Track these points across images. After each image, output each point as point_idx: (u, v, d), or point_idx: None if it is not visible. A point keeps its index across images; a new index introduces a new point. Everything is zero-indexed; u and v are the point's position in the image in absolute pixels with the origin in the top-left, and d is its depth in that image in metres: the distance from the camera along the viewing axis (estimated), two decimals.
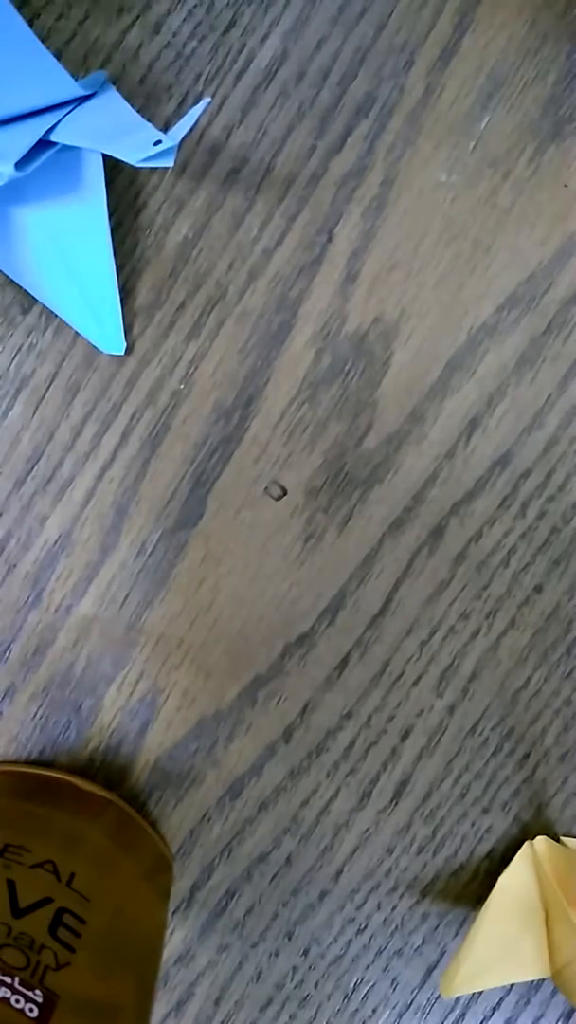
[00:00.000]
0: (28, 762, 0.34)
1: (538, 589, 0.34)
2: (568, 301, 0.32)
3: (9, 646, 0.33)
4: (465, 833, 0.35)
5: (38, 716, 0.33)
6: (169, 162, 0.23)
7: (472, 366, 0.33)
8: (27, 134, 0.25)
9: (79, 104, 0.26)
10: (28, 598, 0.33)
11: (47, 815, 0.31)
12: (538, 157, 0.32)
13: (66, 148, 0.26)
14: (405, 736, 0.34)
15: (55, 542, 0.32)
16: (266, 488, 0.33)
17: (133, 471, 0.32)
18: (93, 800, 0.32)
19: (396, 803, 0.35)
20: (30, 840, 0.28)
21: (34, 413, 0.32)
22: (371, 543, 0.33)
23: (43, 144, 0.25)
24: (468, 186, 0.32)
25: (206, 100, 0.24)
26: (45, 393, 0.32)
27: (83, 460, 0.32)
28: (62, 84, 0.25)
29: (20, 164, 0.24)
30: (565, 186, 0.32)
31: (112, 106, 0.26)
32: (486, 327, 0.32)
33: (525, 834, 0.35)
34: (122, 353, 0.31)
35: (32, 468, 0.32)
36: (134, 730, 0.34)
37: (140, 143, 0.24)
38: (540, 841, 0.34)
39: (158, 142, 0.23)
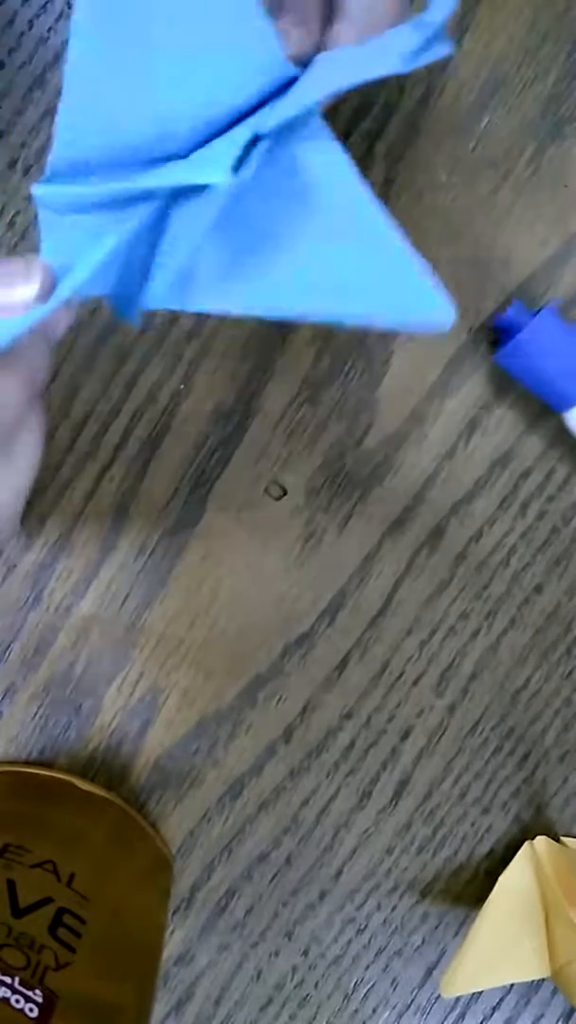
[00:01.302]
0: (28, 762, 0.34)
1: (538, 589, 0.34)
2: (568, 301, 0.32)
3: (9, 646, 0.33)
4: (465, 833, 0.35)
5: (38, 716, 0.33)
6: (447, 48, 0.20)
7: (472, 366, 0.33)
8: (239, 128, 0.20)
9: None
10: (28, 598, 0.33)
11: (47, 815, 0.31)
12: (538, 157, 0.32)
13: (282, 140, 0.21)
14: (405, 736, 0.34)
15: (55, 542, 0.32)
16: (266, 488, 0.33)
17: (133, 471, 0.32)
18: (93, 800, 0.32)
19: (396, 803, 0.35)
20: (30, 840, 0.28)
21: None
22: (371, 543, 0.33)
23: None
24: (468, 186, 0.32)
25: None
26: (45, 393, 0.32)
27: (83, 460, 0.32)
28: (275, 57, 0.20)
29: (237, 167, 0.19)
30: (565, 186, 0.32)
31: (335, 58, 0.21)
32: (486, 327, 0.32)
33: (525, 834, 0.35)
34: (452, 318, 0.22)
35: None
36: (134, 730, 0.34)
37: (398, 46, 0.19)
38: (540, 841, 0.34)
39: (422, 26, 0.19)
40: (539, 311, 0.30)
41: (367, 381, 0.32)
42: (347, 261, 0.22)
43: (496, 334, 0.32)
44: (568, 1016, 0.36)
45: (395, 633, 0.34)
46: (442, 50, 0.19)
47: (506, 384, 0.33)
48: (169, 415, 0.32)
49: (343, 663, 0.34)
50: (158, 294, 0.22)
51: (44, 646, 0.33)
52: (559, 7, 0.31)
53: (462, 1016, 0.36)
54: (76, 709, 0.33)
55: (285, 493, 0.33)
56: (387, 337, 0.32)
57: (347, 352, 0.32)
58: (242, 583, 0.33)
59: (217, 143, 0.21)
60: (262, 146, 0.20)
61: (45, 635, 0.33)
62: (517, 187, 0.32)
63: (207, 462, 0.32)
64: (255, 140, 0.20)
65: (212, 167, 0.20)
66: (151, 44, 0.19)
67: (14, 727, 0.33)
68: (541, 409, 0.33)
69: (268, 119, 0.20)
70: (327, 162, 0.21)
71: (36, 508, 0.32)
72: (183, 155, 0.21)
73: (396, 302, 0.23)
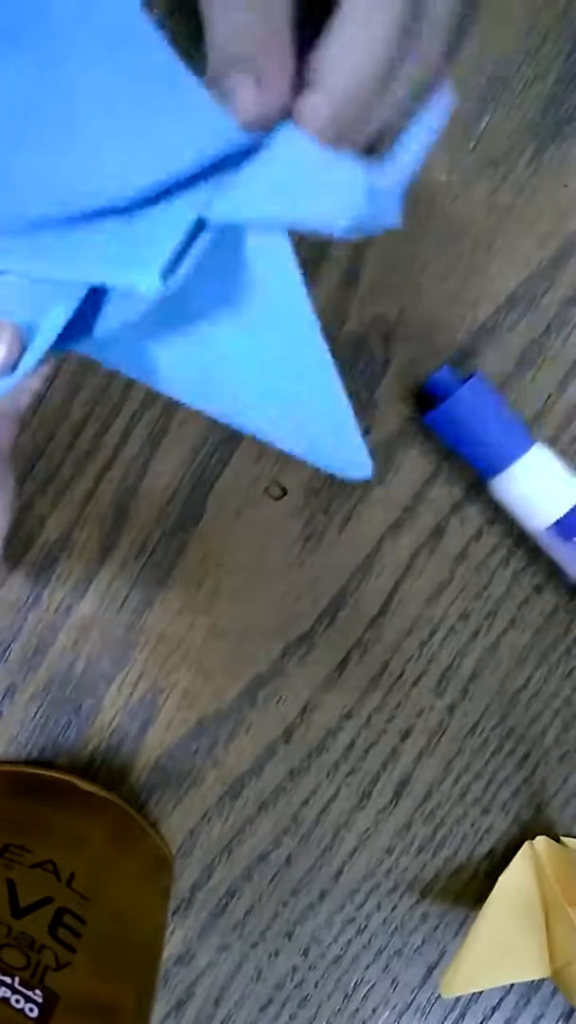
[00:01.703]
0: (28, 762, 0.34)
1: (538, 589, 0.34)
2: (568, 301, 0.32)
3: (9, 646, 0.33)
4: (465, 833, 0.35)
5: (38, 716, 0.33)
6: (397, 217, 0.17)
7: (472, 367, 0.33)
8: (170, 220, 0.17)
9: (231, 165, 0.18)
10: (28, 598, 0.33)
11: (47, 815, 0.31)
12: (538, 157, 0.32)
13: (227, 233, 0.18)
14: (405, 736, 0.34)
15: (55, 542, 0.32)
16: (266, 488, 0.33)
17: (133, 471, 0.32)
18: (93, 800, 0.32)
19: (396, 803, 0.35)
20: (30, 840, 0.28)
21: (34, 413, 0.32)
22: (371, 543, 0.33)
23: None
24: (468, 186, 0.32)
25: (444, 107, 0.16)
26: (45, 393, 0.32)
27: (83, 460, 0.32)
28: (216, 125, 0.17)
29: (167, 272, 0.17)
30: (565, 186, 0.32)
31: (286, 148, 0.18)
32: (486, 327, 0.32)
33: (525, 834, 0.35)
34: (370, 476, 0.21)
35: (32, 468, 0.32)
36: (134, 730, 0.34)
37: (338, 190, 0.17)
38: (540, 841, 0.34)
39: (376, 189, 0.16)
40: (468, 378, 0.30)
41: (367, 381, 0.32)
42: (277, 378, 0.20)
43: (430, 396, 0.31)
44: (568, 1016, 0.36)
45: (395, 633, 0.34)
46: (393, 220, 0.17)
47: (506, 385, 0.33)
48: (169, 415, 0.32)
49: (343, 663, 0.34)
50: (93, 345, 0.20)
51: (44, 646, 0.33)
52: (559, 7, 0.31)
53: (462, 1016, 0.36)
54: (76, 709, 0.33)
55: (285, 493, 0.33)
56: (387, 337, 0.32)
57: (347, 352, 0.32)
58: (242, 583, 0.33)
59: (147, 223, 0.18)
60: (202, 239, 0.18)
61: (45, 635, 0.33)
62: (517, 187, 0.32)
63: (207, 462, 0.32)
64: (198, 224, 0.17)
65: (139, 269, 0.17)
66: (69, 110, 0.17)
67: (14, 727, 0.33)
68: (540, 410, 0.33)
69: (214, 204, 0.17)
70: (275, 268, 0.19)
71: (36, 508, 0.32)
72: (114, 209, 0.18)
73: (321, 444, 0.21)
